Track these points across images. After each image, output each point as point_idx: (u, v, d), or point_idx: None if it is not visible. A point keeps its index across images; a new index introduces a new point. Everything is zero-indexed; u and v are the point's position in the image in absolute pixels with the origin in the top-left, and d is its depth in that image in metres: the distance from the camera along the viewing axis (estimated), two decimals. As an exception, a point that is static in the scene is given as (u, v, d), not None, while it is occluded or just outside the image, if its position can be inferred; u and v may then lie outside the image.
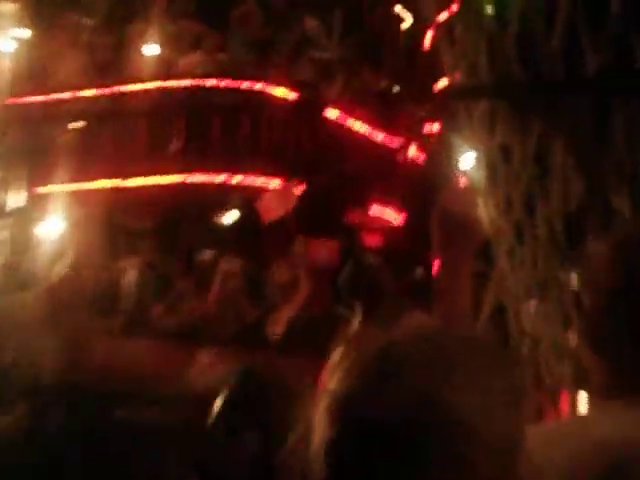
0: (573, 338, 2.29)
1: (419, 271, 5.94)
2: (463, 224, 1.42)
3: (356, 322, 3.44)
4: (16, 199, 5.69)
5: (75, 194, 5.64)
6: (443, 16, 2.89)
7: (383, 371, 0.70)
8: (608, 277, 1.11)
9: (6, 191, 5.64)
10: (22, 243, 4.81)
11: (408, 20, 6.84)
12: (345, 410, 0.70)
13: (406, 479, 0.67)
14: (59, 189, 5.58)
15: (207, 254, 5.32)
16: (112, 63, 6.38)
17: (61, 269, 2.29)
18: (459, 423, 0.66)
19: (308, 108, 6.43)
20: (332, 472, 0.70)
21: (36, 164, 5.86)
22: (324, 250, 4.29)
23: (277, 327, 4.12)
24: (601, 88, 2.51)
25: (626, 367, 1.08)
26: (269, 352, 3.75)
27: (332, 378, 0.74)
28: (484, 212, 2.56)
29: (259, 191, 5.99)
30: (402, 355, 0.72)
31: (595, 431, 1.04)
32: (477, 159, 2.71)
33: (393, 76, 6.83)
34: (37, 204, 5.41)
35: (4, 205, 5.58)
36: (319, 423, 0.73)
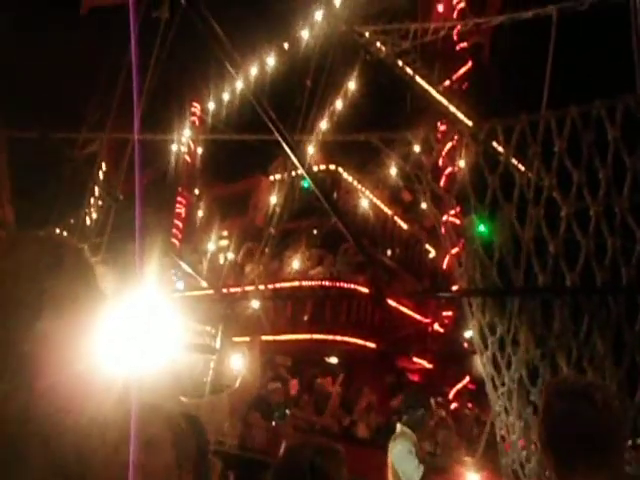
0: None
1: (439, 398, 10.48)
2: None
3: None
4: (219, 343, 10.05)
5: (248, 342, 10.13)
6: (454, 250, 4.16)
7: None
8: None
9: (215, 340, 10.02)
10: (221, 367, 9.04)
11: (433, 252, 11.97)
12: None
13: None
14: (241, 339, 10.07)
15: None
16: (277, 273, 11.32)
17: (238, 383, 3.28)
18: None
19: (378, 299, 11.14)
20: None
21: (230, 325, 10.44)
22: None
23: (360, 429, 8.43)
24: (544, 295, 3.47)
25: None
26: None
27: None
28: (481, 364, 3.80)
29: (351, 345, 10.56)
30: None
31: None
32: (475, 331, 3.74)
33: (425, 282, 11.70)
34: (230, 346, 9.87)
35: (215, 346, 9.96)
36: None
